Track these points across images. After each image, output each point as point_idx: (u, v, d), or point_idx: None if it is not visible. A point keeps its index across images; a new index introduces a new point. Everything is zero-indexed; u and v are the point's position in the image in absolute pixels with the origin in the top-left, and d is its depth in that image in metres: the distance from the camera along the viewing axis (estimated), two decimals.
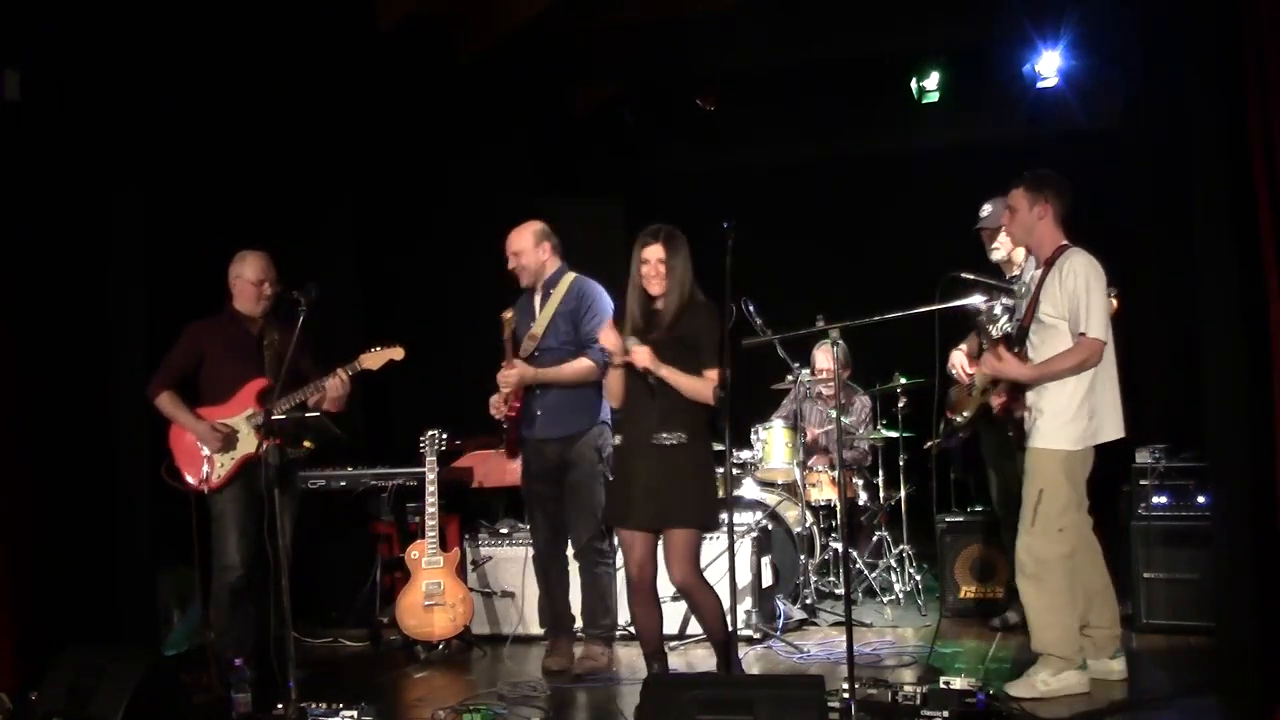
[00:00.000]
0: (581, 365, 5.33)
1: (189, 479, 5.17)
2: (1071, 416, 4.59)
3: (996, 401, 4.82)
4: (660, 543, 4.59)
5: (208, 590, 5.23)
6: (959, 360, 5.61)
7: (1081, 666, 4.68)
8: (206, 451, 5.16)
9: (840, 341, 6.79)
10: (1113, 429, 4.68)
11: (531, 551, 5.71)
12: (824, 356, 6.83)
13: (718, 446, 4.62)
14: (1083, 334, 4.53)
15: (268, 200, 6.50)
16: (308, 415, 5.11)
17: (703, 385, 4.49)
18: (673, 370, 4.46)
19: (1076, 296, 4.52)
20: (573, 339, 5.40)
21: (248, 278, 5.28)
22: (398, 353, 5.20)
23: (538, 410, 5.40)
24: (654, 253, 4.58)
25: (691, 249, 4.69)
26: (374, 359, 5.17)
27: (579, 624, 5.64)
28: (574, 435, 5.40)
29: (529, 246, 5.50)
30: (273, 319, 5.32)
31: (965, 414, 5.40)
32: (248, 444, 5.16)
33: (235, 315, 5.33)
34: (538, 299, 5.52)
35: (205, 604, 5.31)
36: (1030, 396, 4.66)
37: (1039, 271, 4.69)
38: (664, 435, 4.45)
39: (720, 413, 4.42)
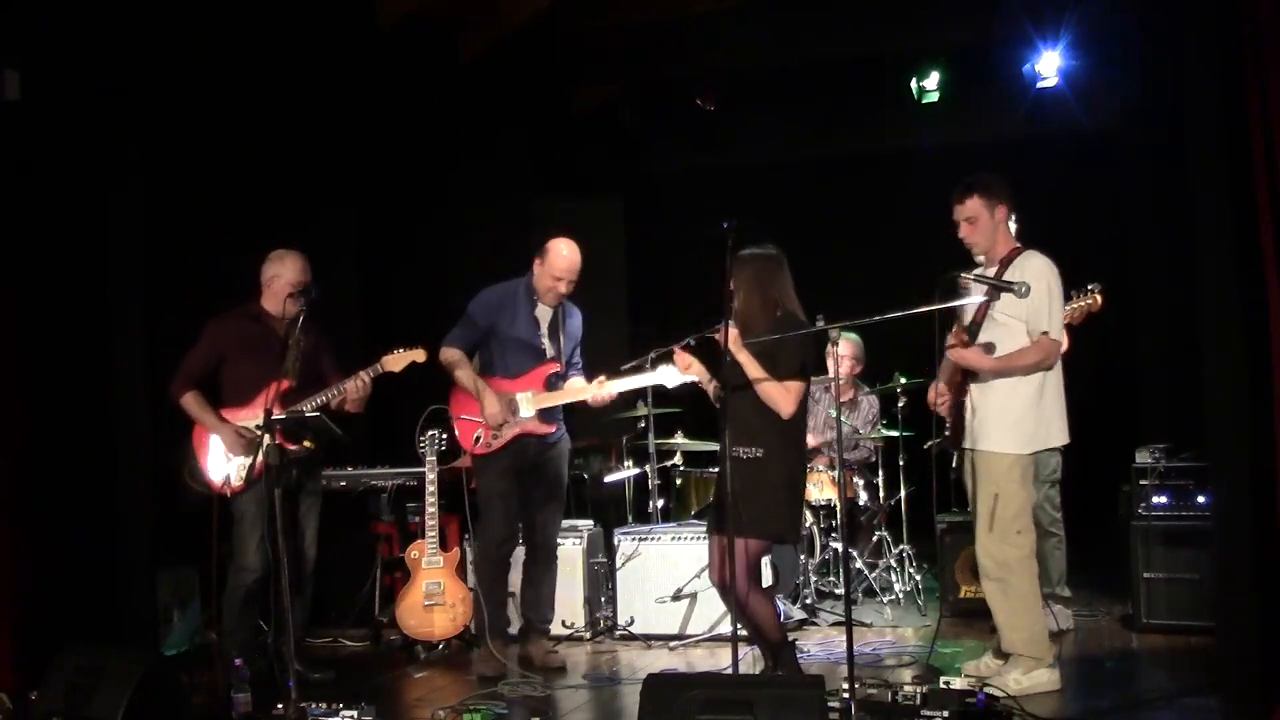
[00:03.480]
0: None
1: (214, 480, 5.19)
2: (1018, 419, 4.63)
3: (943, 400, 4.82)
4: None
5: (208, 590, 5.23)
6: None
7: (1052, 664, 4.71)
8: (230, 455, 5.17)
9: (854, 336, 6.83)
10: (1059, 434, 4.73)
11: (486, 552, 5.55)
12: (841, 344, 6.73)
13: (708, 446, 4.63)
14: (1045, 333, 4.56)
15: (268, 199, 6.49)
16: (307, 415, 5.10)
17: (776, 389, 4.55)
18: (749, 359, 4.51)
19: (1039, 297, 4.54)
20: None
21: (287, 278, 5.26)
22: (420, 355, 5.25)
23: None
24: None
25: (691, 249, 4.69)
26: (396, 361, 5.21)
27: (517, 620, 5.72)
28: (562, 437, 5.54)
29: (578, 274, 5.45)
30: (296, 320, 5.28)
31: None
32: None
33: (261, 314, 5.31)
34: (548, 312, 5.50)
35: (206, 604, 5.31)
36: (976, 397, 4.69)
37: (993, 270, 4.71)
38: (740, 449, 4.48)
39: (723, 415, 4.42)
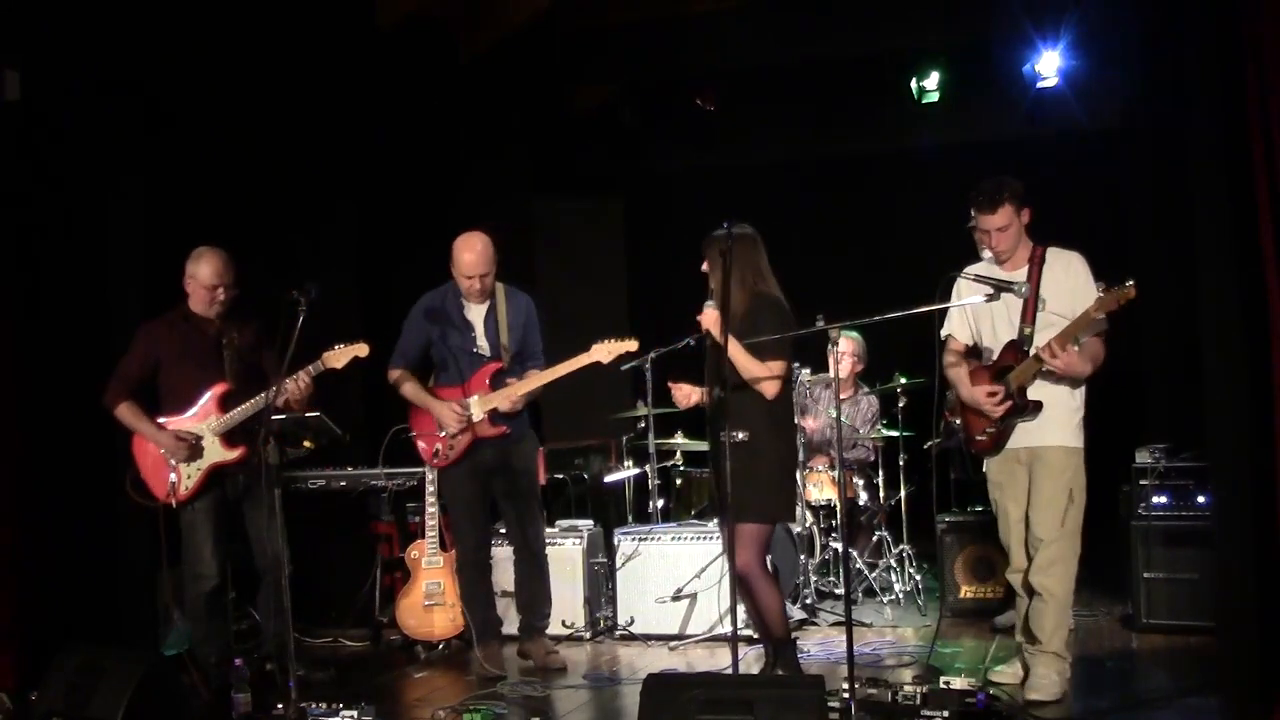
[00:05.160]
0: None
1: (157, 490, 5.10)
2: (1080, 414, 4.62)
3: (999, 409, 4.64)
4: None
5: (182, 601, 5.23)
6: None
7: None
8: (173, 462, 5.08)
9: (856, 334, 6.84)
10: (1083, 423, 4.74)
11: (463, 559, 5.52)
12: (844, 342, 6.73)
13: (707, 445, 4.65)
14: (1101, 333, 4.56)
15: (268, 199, 6.50)
16: (308, 415, 5.09)
17: (758, 367, 4.57)
18: (734, 342, 4.51)
19: (1091, 294, 4.51)
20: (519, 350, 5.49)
21: (201, 280, 5.12)
22: (362, 350, 5.08)
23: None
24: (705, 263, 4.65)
25: (692, 249, 4.69)
26: (338, 357, 5.05)
27: (514, 620, 5.70)
28: (523, 435, 5.49)
29: (491, 264, 5.37)
30: (231, 319, 5.22)
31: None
32: (214, 452, 5.10)
33: (190, 315, 5.19)
34: (480, 310, 5.46)
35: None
36: (1039, 395, 4.59)
37: (1022, 271, 4.62)
38: (732, 433, 4.49)
39: (721, 413, 4.43)
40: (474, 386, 5.39)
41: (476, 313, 5.45)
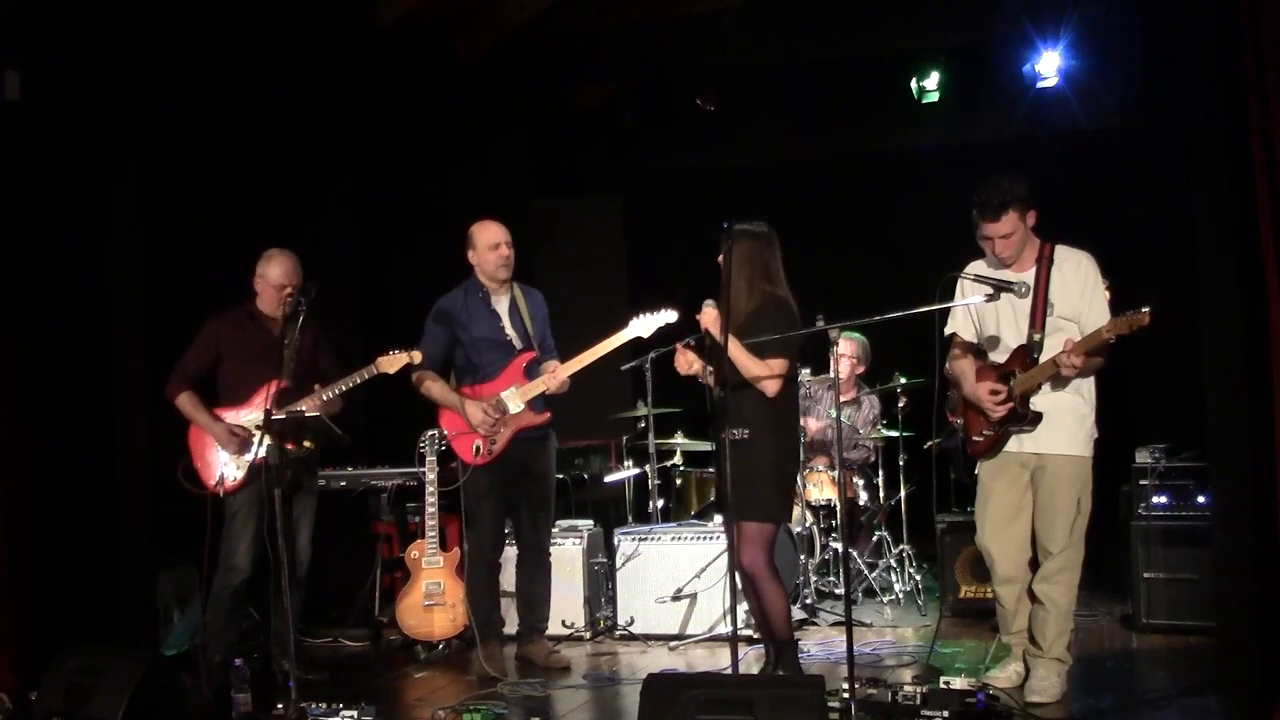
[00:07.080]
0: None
1: (208, 480, 5.18)
2: (1090, 420, 4.55)
3: (999, 410, 4.58)
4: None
5: (209, 591, 5.24)
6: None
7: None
8: (224, 454, 5.17)
9: (859, 335, 6.84)
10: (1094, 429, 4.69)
11: (478, 556, 5.48)
12: (844, 344, 6.74)
13: (707, 446, 4.67)
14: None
15: (267, 199, 6.49)
16: (307, 415, 5.10)
17: (757, 365, 4.55)
18: (733, 341, 4.49)
19: (1098, 297, 4.48)
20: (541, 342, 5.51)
21: (271, 280, 5.25)
22: (416, 356, 5.24)
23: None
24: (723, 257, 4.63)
25: (692, 249, 4.69)
26: (391, 362, 5.18)
27: (517, 622, 5.69)
28: (548, 434, 5.51)
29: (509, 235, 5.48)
30: (294, 319, 5.27)
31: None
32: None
33: (256, 314, 5.31)
34: (504, 301, 5.49)
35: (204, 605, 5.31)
36: (1045, 401, 4.53)
37: (1030, 272, 4.56)
38: (732, 431, 4.50)
39: (722, 406, 4.43)
40: (509, 379, 5.39)
41: (502, 304, 5.48)
